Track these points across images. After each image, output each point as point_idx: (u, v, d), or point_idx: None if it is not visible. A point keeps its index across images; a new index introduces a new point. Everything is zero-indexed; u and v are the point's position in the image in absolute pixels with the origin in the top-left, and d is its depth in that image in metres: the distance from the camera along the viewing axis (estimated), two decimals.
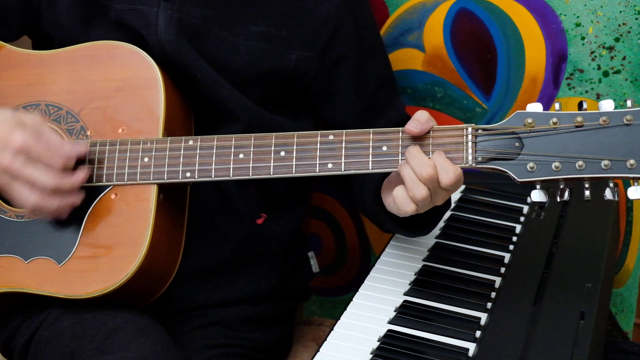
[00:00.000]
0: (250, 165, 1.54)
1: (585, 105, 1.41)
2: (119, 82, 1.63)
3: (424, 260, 1.71)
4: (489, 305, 1.57)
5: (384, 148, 1.49)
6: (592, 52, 1.94)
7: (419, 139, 1.46)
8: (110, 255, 1.56)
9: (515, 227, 1.82)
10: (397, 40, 2.06)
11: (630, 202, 2.02)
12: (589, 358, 1.40)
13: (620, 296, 2.08)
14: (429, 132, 1.47)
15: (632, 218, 2.03)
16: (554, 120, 1.41)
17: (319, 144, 1.52)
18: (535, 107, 1.43)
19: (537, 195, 1.43)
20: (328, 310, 2.33)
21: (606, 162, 1.38)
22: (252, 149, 1.54)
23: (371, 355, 1.43)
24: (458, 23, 2.01)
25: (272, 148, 1.53)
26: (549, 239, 1.75)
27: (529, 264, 1.67)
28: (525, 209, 1.89)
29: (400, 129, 1.48)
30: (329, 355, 1.44)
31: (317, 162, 1.51)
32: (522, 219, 1.86)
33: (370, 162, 1.49)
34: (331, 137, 1.52)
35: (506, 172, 1.43)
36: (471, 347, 1.46)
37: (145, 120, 1.60)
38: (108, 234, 1.57)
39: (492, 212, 1.88)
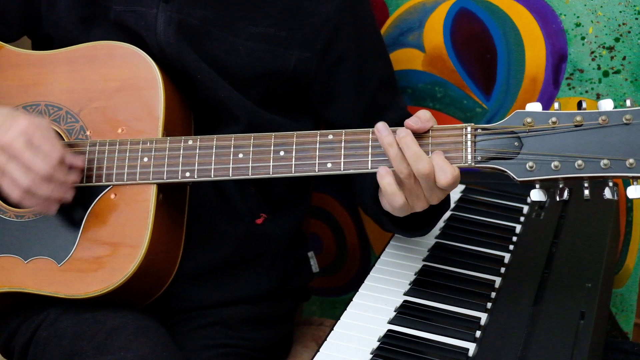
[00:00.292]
0: (250, 165, 1.54)
1: (584, 105, 1.41)
2: (119, 82, 1.63)
3: (424, 260, 1.71)
4: (489, 305, 1.57)
5: None
6: (592, 52, 1.94)
7: (418, 138, 1.46)
8: (110, 255, 1.56)
9: (515, 227, 1.82)
10: (397, 40, 2.06)
11: (630, 202, 2.02)
12: (589, 358, 1.40)
13: (620, 296, 2.08)
14: (428, 131, 1.47)
15: (632, 218, 2.03)
16: (553, 119, 1.41)
17: (318, 144, 1.52)
18: (535, 107, 1.43)
19: (536, 195, 1.43)
20: (328, 310, 2.33)
21: (605, 161, 1.38)
22: (251, 149, 1.54)
23: (371, 355, 1.43)
24: (458, 23, 2.01)
25: (272, 148, 1.53)
26: (549, 239, 1.75)
27: (529, 264, 1.67)
28: (525, 209, 1.89)
29: (397, 128, 1.47)
30: (329, 355, 1.44)
31: (317, 161, 1.51)
32: (522, 219, 1.86)
33: (369, 162, 1.49)
34: (330, 136, 1.52)
35: (505, 172, 1.43)
36: (471, 347, 1.46)
37: (144, 121, 1.60)
38: (108, 233, 1.57)
39: (492, 212, 1.88)
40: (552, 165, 1.40)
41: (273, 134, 1.54)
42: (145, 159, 1.58)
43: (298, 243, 1.87)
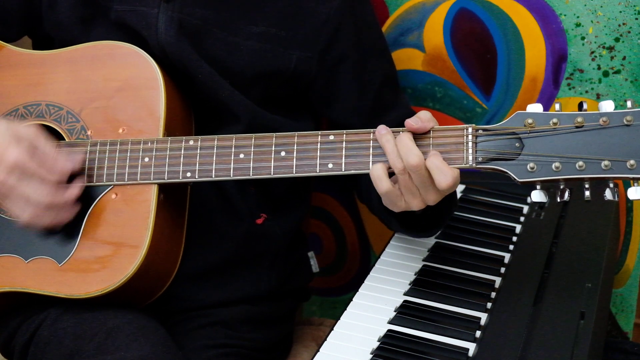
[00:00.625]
0: (251, 165, 1.54)
1: (585, 106, 1.41)
2: (120, 82, 1.63)
3: (424, 260, 1.71)
4: (489, 305, 1.57)
5: None
6: (592, 52, 1.94)
7: (419, 138, 1.46)
8: (111, 255, 1.56)
9: (515, 227, 1.82)
10: (397, 40, 2.06)
11: (630, 203, 2.02)
12: (589, 358, 1.40)
13: (620, 296, 2.08)
14: (429, 132, 1.47)
15: (632, 218, 2.03)
16: (554, 120, 1.41)
17: (319, 144, 1.52)
18: (536, 108, 1.43)
19: (537, 196, 1.43)
20: (328, 310, 2.33)
21: (606, 162, 1.38)
22: (252, 149, 1.54)
23: (371, 355, 1.43)
24: (458, 23, 2.01)
25: (273, 148, 1.53)
26: (549, 239, 1.75)
27: (529, 264, 1.67)
28: (525, 209, 1.89)
29: (399, 129, 1.48)
30: (329, 355, 1.44)
31: (318, 162, 1.51)
32: (522, 219, 1.86)
33: (370, 162, 1.49)
34: (332, 137, 1.52)
35: (506, 173, 1.43)
36: (471, 347, 1.46)
37: (145, 120, 1.60)
38: (108, 233, 1.57)
39: (492, 212, 1.88)
40: (553, 166, 1.40)
41: (274, 134, 1.54)
42: (146, 159, 1.58)
43: (298, 243, 1.87)
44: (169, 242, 1.63)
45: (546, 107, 1.44)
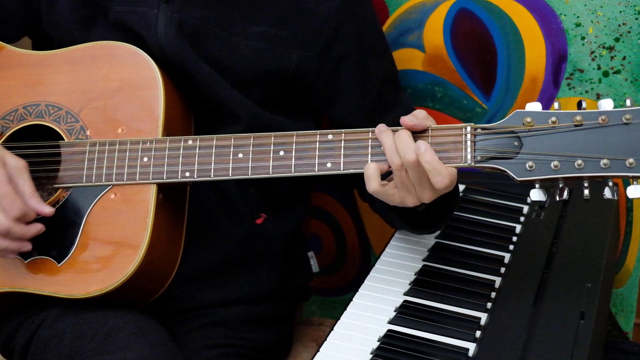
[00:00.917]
0: (250, 164, 1.54)
1: (584, 105, 1.41)
2: (119, 82, 1.63)
3: (424, 260, 1.71)
4: (489, 305, 1.57)
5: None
6: (592, 52, 1.94)
7: (418, 137, 1.46)
8: (110, 255, 1.56)
9: (515, 227, 1.82)
10: (397, 40, 2.06)
11: (630, 202, 2.02)
12: (589, 358, 1.40)
13: (620, 296, 2.07)
14: (428, 131, 1.47)
15: (632, 218, 2.03)
16: (553, 119, 1.41)
17: (317, 144, 1.52)
18: (535, 107, 1.43)
19: (536, 195, 1.43)
20: (328, 310, 2.33)
21: (605, 161, 1.38)
22: (251, 149, 1.54)
23: (371, 355, 1.43)
24: (458, 23, 2.01)
25: (271, 148, 1.53)
26: (549, 239, 1.75)
27: (529, 264, 1.67)
28: (525, 209, 1.89)
29: (399, 127, 1.48)
30: (329, 355, 1.43)
31: (316, 161, 1.51)
32: (522, 219, 1.86)
33: (369, 162, 1.49)
34: (330, 136, 1.52)
35: (505, 171, 1.43)
36: (471, 347, 1.46)
37: (144, 120, 1.60)
38: (107, 233, 1.57)
39: (492, 212, 1.88)
40: (552, 165, 1.40)
41: (273, 133, 1.54)
42: (145, 159, 1.58)
43: (298, 243, 1.87)
44: (169, 242, 1.63)
45: (546, 107, 1.43)
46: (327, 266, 2.29)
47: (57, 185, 1.62)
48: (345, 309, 1.55)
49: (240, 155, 1.55)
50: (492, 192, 1.95)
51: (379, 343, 1.46)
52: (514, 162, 1.42)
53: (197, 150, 1.57)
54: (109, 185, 1.59)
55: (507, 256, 1.72)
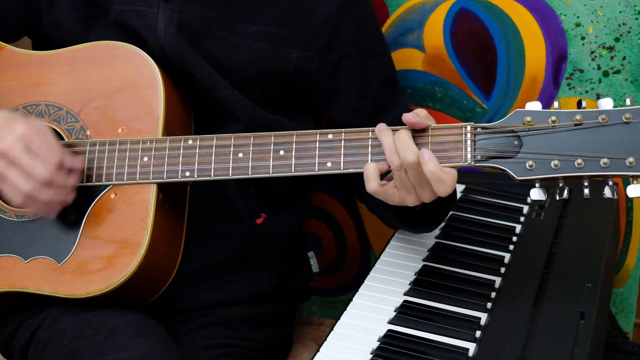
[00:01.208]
0: (250, 164, 1.54)
1: (584, 104, 1.41)
2: (119, 82, 1.63)
3: (424, 260, 1.71)
4: (489, 305, 1.57)
5: None
6: (592, 52, 1.94)
7: (418, 137, 1.46)
8: (110, 255, 1.56)
9: (515, 227, 1.82)
10: (397, 40, 2.06)
11: (630, 202, 2.02)
12: (589, 358, 1.40)
13: (620, 296, 2.07)
14: (428, 130, 1.47)
15: (632, 218, 2.03)
16: (553, 118, 1.41)
17: (318, 143, 1.52)
18: (534, 106, 1.43)
19: (536, 194, 1.43)
20: (328, 310, 2.33)
21: (605, 160, 1.38)
22: (251, 148, 1.54)
23: (371, 355, 1.43)
24: (458, 23, 2.01)
25: (272, 147, 1.53)
26: (549, 239, 1.75)
27: (529, 264, 1.67)
28: (525, 209, 1.89)
29: (398, 127, 1.48)
30: (329, 355, 1.43)
31: (317, 161, 1.51)
32: (522, 219, 1.86)
33: (369, 161, 1.49)
34: (330, 136, 1.52)
35: (505, 171, 1.43)
36: (471, 347, 1.45)
37: (144, 120, 1.60)
38: (107, 233, 1.57)
39: (492, 212, 1.88)
40: (552, 164, 1.40)
41: (273, 133, 1.54)
42: (145, 159, 1.58)
43: (298, 243, 1.87)
44: (169, 241, 1.63)
45: (546, 107, 1.43)
46: (327, 266, 2.29)
47: None
48: (345, 309, 1.55)
49: (241, 154, 1.55)
50: (492, 192, 1.95)
51: (379, 343, 1.46)
52: (514, 161, 1.42)
53: (197, 150, 1.57)
54: (109, 184, 1.59)
55: (507, 256, 1.72)
